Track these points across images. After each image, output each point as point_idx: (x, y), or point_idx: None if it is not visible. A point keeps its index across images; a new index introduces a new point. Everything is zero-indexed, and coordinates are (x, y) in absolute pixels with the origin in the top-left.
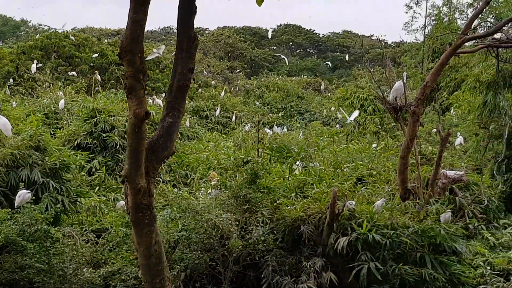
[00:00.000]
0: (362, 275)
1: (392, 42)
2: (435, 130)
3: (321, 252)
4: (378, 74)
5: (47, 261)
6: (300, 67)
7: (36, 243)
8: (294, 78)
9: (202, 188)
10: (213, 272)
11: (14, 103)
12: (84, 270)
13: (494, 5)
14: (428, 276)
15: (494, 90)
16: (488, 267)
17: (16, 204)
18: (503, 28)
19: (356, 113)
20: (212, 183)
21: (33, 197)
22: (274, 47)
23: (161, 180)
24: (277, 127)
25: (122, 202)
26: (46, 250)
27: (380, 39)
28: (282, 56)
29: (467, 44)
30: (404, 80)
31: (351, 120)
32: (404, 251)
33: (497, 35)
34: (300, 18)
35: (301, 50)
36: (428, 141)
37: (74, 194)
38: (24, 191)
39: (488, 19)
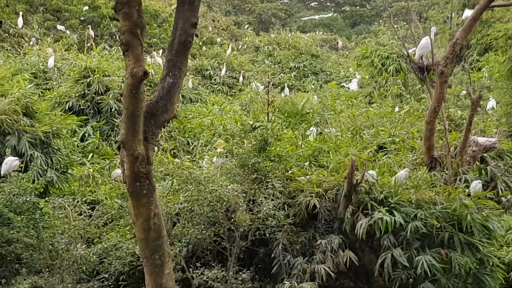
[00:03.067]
0: (386, 264)
1: None
2: (464, 92)
3: (337, 228)
4: (402, 30)
5: (36, 235)
6: (315, 23)
7: (24, 215)
8: (308, 34)
9: (206, 156)
10: (218, 248)
11: None
12: (77, 246)
13: None
14: (456, 261)
15: None
16: None
17: (2, 172)
18: None
19: (358, 78)
20: (218, 150)
21: (22, 165)
22: (286, 0)
23: (161, 147)
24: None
25: (118, 171)
26: (35, 223)
27: None
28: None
29: None
30: (432, 37)
31: (352, 89)
32: (431, 231)
33: None
34: None
35: (317, 3)
36: (456, 105)
37: (65, 163)
38: (11, 157)
39: None
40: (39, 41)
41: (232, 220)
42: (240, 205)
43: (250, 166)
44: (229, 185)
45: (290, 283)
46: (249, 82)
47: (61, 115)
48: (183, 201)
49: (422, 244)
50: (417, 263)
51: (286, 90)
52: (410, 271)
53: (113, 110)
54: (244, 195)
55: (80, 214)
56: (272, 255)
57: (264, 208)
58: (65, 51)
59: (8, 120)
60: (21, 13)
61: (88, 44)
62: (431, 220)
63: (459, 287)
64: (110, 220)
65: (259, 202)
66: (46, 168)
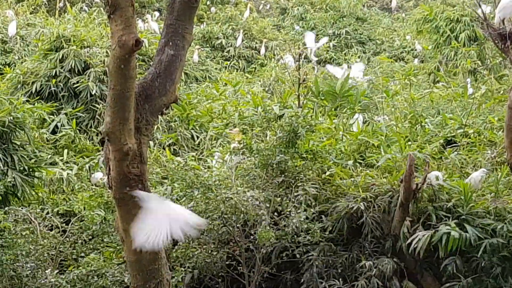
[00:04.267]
0: None
1: None
2: None
3: (390, 248)
4: None
5: None
6: None
7: None
8: None
9: (217, 154)
10: (232, 274)
11: None
12: (47, 272)
13: None
14: None
15: None
16: None
17: None
18: None
19: (324, 39)
20: (233, 145)
21: None
22: None
23: (157, 141)
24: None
25: (100, 174)
26: None
27: None
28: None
29: None
30: None
31: (315, 50)
32: None
33: None
34: None
35: None
36: None
37: (31, 163)
38: None
39: None
40: None
41: (252, 237)
42: (262, 218)
43: (275, 166)
44: (247, 191)
45: None
46: (274, 55)
47: (26, 100)
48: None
49: (503, 270)
50: None
51: (340, 71)
52: None
53: (94, 93)
54: (267, 204)
55: (51, 229)
56: (302, 280)
57: (294, 221)
58: (30, 14)
59: None
60: None
61: (61, 4)
62: None
63: None
64: (90, 237)
65: (287, 213)
66: (5, 169)
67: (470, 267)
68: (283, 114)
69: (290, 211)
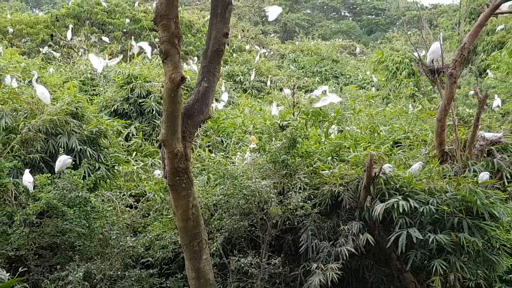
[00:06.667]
0: (400, 240)
1: (429, 4)
2: (472, 92)
3: (358, 216)
4: (414, 37)
5: (87, 225)
6: (334, 31)
7: (76, 208)
8: (328, 41)
9: (238, 153)
10: (251, 236)
11: (51, 70)
12: (127, 238)
13: None
14: (465, 241)
15: None
16: None
17: (56, 169)
18: None
19: (325, 87)
20: (251, 146)
21: (73, 163)
22: (308, 11)
23: (197, 145)
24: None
25: (159, 171)
26: (86, 215)
27: (416, 1)
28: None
29: (505, 4)
30: (441, 42)
31: (317, 95)
32: (442, 216)
33: None
34: None
35: (336, 13)
36: (465, 104)
37: (112, 161)
38: (65, 156)
39: None
40: (86, 51)
41: (265, 211)
42: (272, 198)
43: (280, 162)
44: (262, 180)
45: (317, 264)
46: (276, 86)
47: (108, 118)
48: (219, 194)
49: (434, 227)
50: (431, 242)
51: (316, 92)
52: (423, 251)
53: (154, 112)
54: (275, 189)
55: (127, 207)
56: (300, 240)
57: (293, 200)
58: (109, 60)
59: (59, 121)
60: (70, 26)
61: (130, 53)
62: (442, 206)
63: (469, 266)
64: (154, 211)
65: (289, 195)
66: (95, 163)
67: (412, 223)
68: (284, 126)
69: (291, 194)
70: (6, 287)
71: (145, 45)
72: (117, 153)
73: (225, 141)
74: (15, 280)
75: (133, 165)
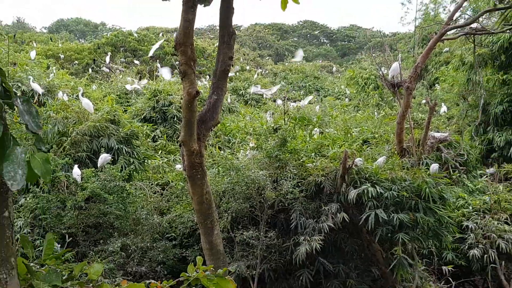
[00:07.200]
0: (370, 219)
1: (389, 32)
2: (424, 101)
3: (336, 199)
4: (378, 58)
5: (123, 208)
6: (315, 54)
7: (115, 195)
8: (311, 62)
9: (241, 150)
10: (252, 215)
11: (94, 87)
12: (153, 216)
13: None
14: (420, 220)
15: (472, 68)
16: (469, 207)
17: (99, 165)
18: (479, 19)
19: (310, 97)
20: (251, 145)
21: (112, 159)
22: (295, 39)
23: (209, 144)
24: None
25: (179, 166)
26: (122, 200)
27: (380, 30)
28: (299, 54)
29: (449, 32)
30: (399, 62)
31: (304, 104)
32: (402, 199)
33: (474, 25)
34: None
35: (316, 40)
36: (419, 110)
37: (142, 157)
38: (105, 154)
39: (467, 12)
40: (121, 72)
41: (262, 195)
42: (268, 186)
43: (274, 157)
44: (259, 171)
45: (304, 237)
46: (270, 98)
47: (138, 123)
48: (227, 183)
49: (396, 208)
50: (393, 219)
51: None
52: (388, 227)
53: (175, 118)
54: (270, 178)
55: (154, 193)
56: (291, 218)
57: (285, 187)
58: (139, 79)
59: (100, 126)
60: (109, 53)
61: (156, 73)
62: (402, 192)
63: (423, 238)
64: (176, 197)
65: (281, 183)
66: (129, 159)
67: (379, 205)
68: (277, 129)
69: (282, 182)
70: (58, 256)
71: (165, 72)
72: (146, 151)
73: (232, 140)
74: (66, 251)
75: (158, 160)
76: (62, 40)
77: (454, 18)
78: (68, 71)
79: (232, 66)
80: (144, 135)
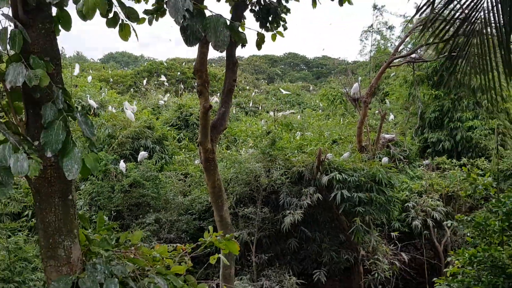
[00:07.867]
0: (337, 197)
1: (351, 61)
2: (377, 111)
3: (313, 183)
4: (343, 80)
5: (157, 191)
6: (297, 77)
7: (151, 181)
8: (294, 83)
9: (243, 148)
10: (251, 196)
11: (135, 102)
12: (179, 197)
13: (413, 36)
14: (374, 198)
15: (412, 86)
16: (409, 191)
17: (138, 160)
18: (417, 50)
19: (292, 110)
20: (250, 144)
21: (149, 155)
22: (282, 66)
23: (220, 144)
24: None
25: (197, 160)
26: (156, 185)
27: (344, 59)
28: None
29: (395, 61)
30: (359, 83)
31: (289, 113)
32: (361, 183)
33: (413, 55)
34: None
35: (297, 67)
36: (373, 118)
37: (171, 154)
38: (143, 152)
39: (409, 46)
40: (155, 92)
41: (258, 181)
42: (262, 174)
43: (266, 153)
44: (256, 164)
45: (290, 211)
46: (264, 110)
47: (168, 128)
48: (232, 173)
49: (356, 190)
50: (354, 197)
51: (288, 112)
52: (350, 202)
53: (194, 125)
54: (264, 169)
55: (179, 180)
56: (280, 198)
57: (275, 175)
58: (168, 96)
59: (140, 131)
60: (146, 78)
61: (181, 92)
62: (361, 178)
63: (376, 212)
64: (195, 183)
65: (272, 172)
66: (161, 155)
67: (344, 187)
68: (269, 132)
69: (273, 171)
70: (109, 228)
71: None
72: (173, 149)
73: (236, 140)
74: (114, 224)
75: (182, 156)
76: (111, 68)
77: (399, 50)
78: (116, 91)
79: (236, 86)
80: (172, 137)
